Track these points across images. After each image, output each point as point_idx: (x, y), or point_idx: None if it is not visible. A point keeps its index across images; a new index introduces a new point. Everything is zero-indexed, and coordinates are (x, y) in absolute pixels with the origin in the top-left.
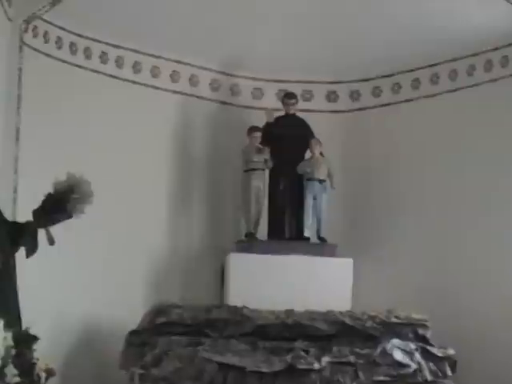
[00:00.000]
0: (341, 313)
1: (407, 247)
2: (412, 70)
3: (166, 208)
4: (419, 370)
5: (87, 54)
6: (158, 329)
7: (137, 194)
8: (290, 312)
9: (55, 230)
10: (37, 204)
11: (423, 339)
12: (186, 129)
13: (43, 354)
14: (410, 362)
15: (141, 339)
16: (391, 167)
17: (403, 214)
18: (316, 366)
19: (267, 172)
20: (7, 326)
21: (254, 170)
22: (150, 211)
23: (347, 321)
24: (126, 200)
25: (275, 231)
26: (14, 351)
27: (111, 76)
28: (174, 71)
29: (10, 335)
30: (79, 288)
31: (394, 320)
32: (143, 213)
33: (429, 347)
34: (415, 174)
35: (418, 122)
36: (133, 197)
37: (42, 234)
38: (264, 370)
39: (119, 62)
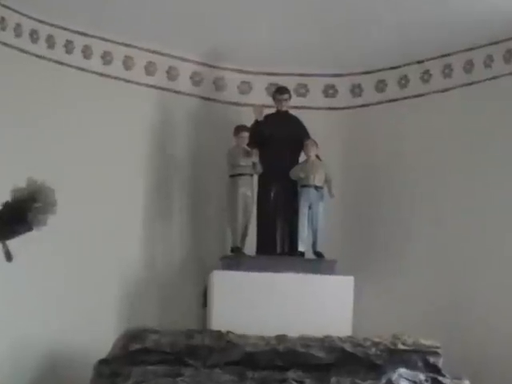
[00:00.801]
0: (340, 338)
1: (417, 263)
2: (421, 61)
3: (142, 218)
4: None
5: (50, 42)
6: (132, 357)
7: (108, 202)
8: (282, 338)
9: (14, 243)
10: None
11: (434, 368)
12: (164, 128)
13: (3, 379)
14: None
15: (112, 369)
16: (398, 172)
17: (413, 226)
18: None
19: (256, 177)
20: None
21: (241, 175)
22: (122, 221)
23: (347, 347)
24: (95, 209)
25: (265, 245)
26: None
27: (77, 68)
28: (149, 62)
29: None
30: (43, 308)
31: (400, 347)
32: (115, 224)
33: (441, 378)
34: (426, 180)
35: (428, 121)
36: (103, 206)
37: None
38: None
39: (87, 52)
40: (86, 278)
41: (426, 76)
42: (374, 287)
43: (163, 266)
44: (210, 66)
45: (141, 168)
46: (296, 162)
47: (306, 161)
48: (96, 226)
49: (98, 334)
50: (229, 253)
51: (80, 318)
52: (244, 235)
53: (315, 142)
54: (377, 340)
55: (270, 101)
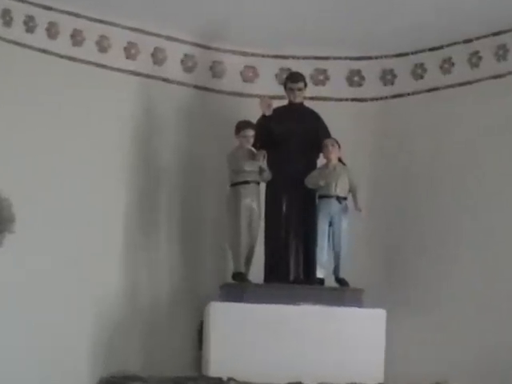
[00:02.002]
0: None
1: (463, 293)
2: (469, 41)
3: (122, 239)
4: None
5: (7, 19)
6: None
7: (79, 220)
8: None
9: None
10: None
11: None
12: (148, 126)
13: None
14: None
15: None
16: (441, 179)
17: (459, 246)
18: None
19: (264, 186)
20: None
21: (244, 183)
22: (97, 244)
23: None
24: (64, 228)
25: (275, 271)
26: None
27: (40, 50)
28: (130, 43)
29: None
30: (6, 350)
31: None
32: (90, 246)
33: None
34: (476, 188)
35: (478, 114)
36: (73, 224)
37: None
38: None
39: (52, 31)
40: (55, 315)
41: (474, 59)
42: (410, 323)
43: (149, 299)
44: (206, 48)
45: (120, 176)
46: (313, 166)
47: (325, 165)
48: (67, 248)
49: (70, 381)
50: (230, 280)
51: (49, 362)
52: (249, 258)
53: (337, 142)
54: None
55: (280, 90)
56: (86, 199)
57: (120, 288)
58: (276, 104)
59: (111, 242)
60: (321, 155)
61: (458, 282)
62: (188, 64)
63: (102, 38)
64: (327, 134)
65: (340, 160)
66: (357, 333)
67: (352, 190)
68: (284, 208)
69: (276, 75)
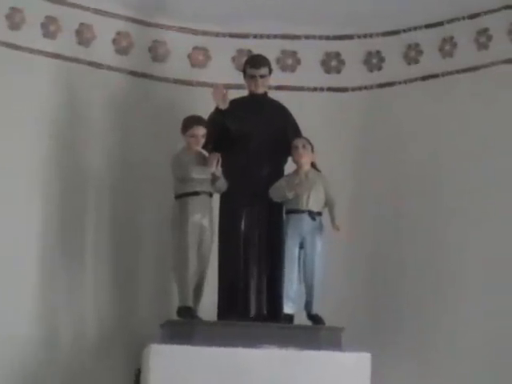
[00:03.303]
0: None
1: (461, 334)
2: (475, 16)
3: (36, 262)
4: None
5: None
6: None
7: None
8: None
9: None
10: None
11: None
12: (73, 121)
13: None
14: None
15: None
16: (440, 187)
17: (461, 273)
18: None
19: (217, 198)
20: None
21: (193, 194)
22: (5, 268)
23: None
24: None
25: (231, 306)
26: None
27: None
28: (48, 18)
29: None
30: None
31: None
32: None
33: None
34: (482, 199)
35: (487, 106)
36: None
37: None
38: None
39: None
40: None
41: (482, 38)
42: (399, 368)
43: (70, 341)
44: (144, 24)
45: (35, 183)
46: (280, 173)
47: (295, 172)
48: None
49: None
50: (174, 316)
51: None
52: (199, 289)
53: (309, 143)
54: None
55: (238, 78)
56: None
57: (33, 326)
58: (233, 95)
59: (22, 266)
60: (289, 159)
61: (457, 320)
62: (122, 44)
63: (14, 11)
64: (297, 133)
65: (313, 165)
66: (335, 382)
67: (328, 204)
68: (243, 226)
69: (233, 59)
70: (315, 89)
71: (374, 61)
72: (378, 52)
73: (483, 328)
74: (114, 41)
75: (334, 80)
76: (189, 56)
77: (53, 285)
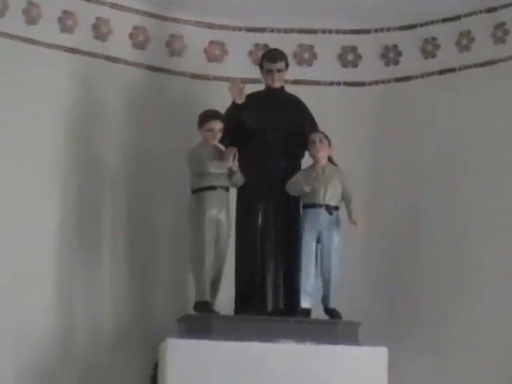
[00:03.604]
0: None
1: (480, 329)
2: (493, 10)
3: (53, 257)
4: None
5: None
6: None
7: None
8: None
9: None
10: None
11: None
12: (90, 117)
13: None
14: None
15: None
16: (458, 184)
17: (479, 271)
18: None
19: (234, 193)
20: None
21: (210, 188)
22: (22, 263)
23: None
24: None
25: (248, 300)
26: None
27: None
28: (65, 13)
29: None
30: None
31: None
32: (11, 267)
33: None
34: (502, 196)
35: (504, 101)
36: None
37: None
38: None
39: None
40: None
41: (499, 32)
42: (416, 363)
43: (87, 335)
44: (161, 18)
45: (52, 178)
46: (297, 168)
47: (312, 166)
48: None
49: None
50: (191, 311)
51: None
52: (216, 284)
53: (326, 137)
54: None
55: (255, 72)
56: (7, 207)
57: (49, 321)
58: (249, 89)
59: (39, 262)
60: (306, 154)
61: (475, 313)
62: (138, 39)
63: (31, 5)
64: (314, 127)
65: (330, 160)
66: (352, 376)
67: (345, 198)
68: (260, 220)
69: (249, 53)
70: (332, 83)
71: (390, 55)
72: (395, 46)
73: (500, 322)
74: (131, 35)
75: (350, 74)
76: (205, 50)
77: (69, 279)
